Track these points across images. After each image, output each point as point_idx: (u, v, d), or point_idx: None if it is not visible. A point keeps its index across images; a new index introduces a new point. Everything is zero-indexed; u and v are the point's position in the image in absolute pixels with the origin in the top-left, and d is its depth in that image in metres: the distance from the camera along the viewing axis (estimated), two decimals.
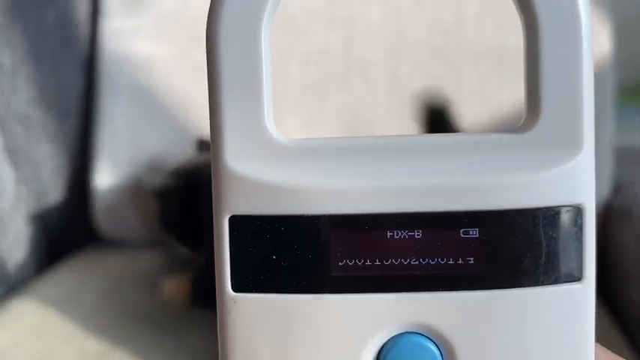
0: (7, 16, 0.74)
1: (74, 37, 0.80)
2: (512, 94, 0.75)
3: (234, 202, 0.20)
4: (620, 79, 0.84)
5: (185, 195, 0.64)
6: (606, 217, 0.73)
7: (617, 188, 0.75)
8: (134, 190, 0.78)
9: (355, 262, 0.20)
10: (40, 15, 0.77)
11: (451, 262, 0.20)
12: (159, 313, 0.61)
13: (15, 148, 0.76)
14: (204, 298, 0.61)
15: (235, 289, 0.20)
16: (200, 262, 0.64)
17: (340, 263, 0.20)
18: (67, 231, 0.81)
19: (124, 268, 0.72)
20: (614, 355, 0.22)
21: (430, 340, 0.20)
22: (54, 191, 0.80)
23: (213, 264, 0.40)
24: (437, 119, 0.44)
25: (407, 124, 0.76)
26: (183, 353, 0.54)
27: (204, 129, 0.77)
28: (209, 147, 0.36)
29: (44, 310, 0.62)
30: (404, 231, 0.19)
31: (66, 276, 0.71)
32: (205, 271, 0.61)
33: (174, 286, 0.64)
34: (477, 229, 0.19)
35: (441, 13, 0.77)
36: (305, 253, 0.20)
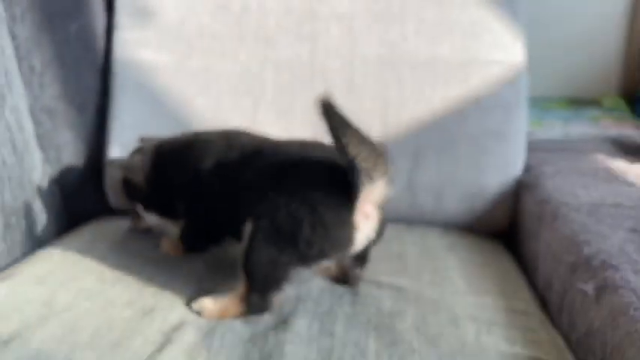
0: (38, 28, 0.92)
1: (92, 45, 0.98)
2: (443, 95, 0.93)
3: None
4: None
5: (152, 169, 0.78)
6: (518, 189, 0.93)
7: (527, 168, 0.94)
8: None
9: None
10: (65, 27, 0.95)
11: None
12: (156, 256, 0.79)
13: (42, 134, 0.94)
14: (190, 247, 0.79)
15: None
16: (180, 224, 0.79)
17: None
18: (83, 202, 0.98)
19: (130, 230, 0.89)
20: None
21: None
22: (73, 170, 0.98)
23: (193, 224, 0.62)
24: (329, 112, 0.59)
25: (360, 119, 0.94)
26: (176, 280, 0.72)
27: (197, 121, 0.95)
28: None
29: (66, 255, 0.79)
30: None
31: (83, 234, 0.89)
32: (188, 229, 0.79)
33: (168, 243, 0.82)
34: None
35: (386, 30, 0.95)
36: None
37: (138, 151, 0.82)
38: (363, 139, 0.60)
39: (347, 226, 0.62)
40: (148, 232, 0.85)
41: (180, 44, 0.97)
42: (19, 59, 0.89)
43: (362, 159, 0.59)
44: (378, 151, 0.61)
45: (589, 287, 0.64)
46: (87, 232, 0.89)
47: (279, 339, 0.62)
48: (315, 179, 0.63)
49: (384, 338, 0.63)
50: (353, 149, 0.59)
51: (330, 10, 0.97)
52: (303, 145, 0.70)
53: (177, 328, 0.64)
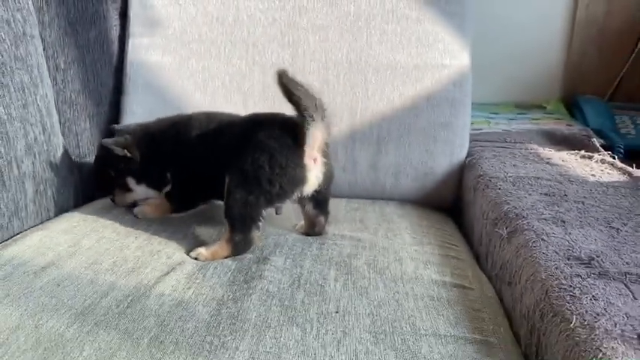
0: (64, 32, 1.10)
1: (108, 48, 1.16)
2: (401, 93, 1.12)
3: None
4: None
5: (144, 147, 0.92)
6: (462, 171, 1.11)
7: (471, 154, 1.12)
8: None
9: None
10: (86, 33, 1.13)
11: None
12: (159, 220, 0.95)
13: (63, 123, 1.11)
14: (179, 207, 0.96)
15: None
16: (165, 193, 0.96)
17: None
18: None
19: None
20: None
21: None
22: (89, 154, 1.15)
23: (182, 187, 0.81)
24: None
25: (333, 111, 1.12)
26: (176, 235, 0.89)
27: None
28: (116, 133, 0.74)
29: (86, 216, 0.96)
30: None
31: (98, 204, 1.05)
32: (177, 192, 0.95)
33: (146, 206, 0.97)
34: None
35: (354, 40, 1.14)
36: None
37: (120, 135, 0.95)
38: (309, 96, 0.79)
39: (299, 167, 0.81)
40: (133, 206, 0.98)
41: (183, 49, 1.15)
42: (47, 58, 1.06)
43: (309, 111, 0.78)
44: (319, 105, 0.80)
45: (504, 231, 0.82)
46: (101, 203, 1.05)
47: (260, 268, 0.79)
48: (271, 134, 0.82)
49: (342, 270, 0.79)
50: (303, 103, 0.78)
51: (308, 22, 1.15)
52: (263, 114, 0.90)
53: (179, 263, 0.80)
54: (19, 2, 0.95)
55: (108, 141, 0.94)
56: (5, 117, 0.88)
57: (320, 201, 0.89)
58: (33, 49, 0.98)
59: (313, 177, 0.83)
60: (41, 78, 1.00)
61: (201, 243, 0.86)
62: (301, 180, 0.82)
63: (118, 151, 0.93)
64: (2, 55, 0.89)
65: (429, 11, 1.13)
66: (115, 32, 1.18)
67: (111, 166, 0.97)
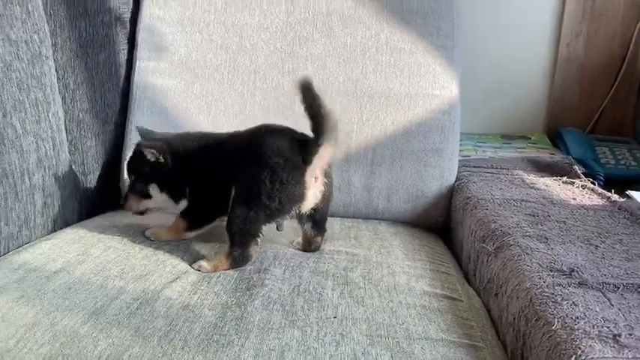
0: (74, 54, 1.16)
1: (116, 71, 1.22)
2: (394, 119, 1.18)
3: None
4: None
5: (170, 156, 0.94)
6: (451, 194, 1.16)
7: (459, 178, 1.18)
8: None
9: None
10: (95, 55, 1.19)
11: None
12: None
13: (70, 141, 1.15)
14: (193, 224, 0.98)
15: None
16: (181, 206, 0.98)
17: None
18: (100, 198, 1.19)
19: (136, 219, 1.09)
20: None
21: None
22: (94, 171, 1.19)
23: (197, 204, 0.84)
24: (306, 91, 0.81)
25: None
26: (180, 249, 0.93)
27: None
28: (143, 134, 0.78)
29: (93, 228, 0.99)
30: None
31: (103, 217, 1.09)
32: (192, 208, 0.97)
33: (159, 229, 0.99)
34: None
35: (350, 69, 1.21)
36: None
37: (149, 138, 0.97)
38: (329, 117, 0.82)
39: (299, 184, 0.84)
40: (142, 214, 0.99)
41: (188, 73, 1.21)
42: (58, 79, 1.12)
43: (326, 133, 0.82)
44: (335, 126, 0.83)
45: (491, 247, 0.87)
46: (106, 216, 1.09)
47: (261, 277, 0.83)
48: (276, 150, 0.84)
49: (338, 280, 0.84)
50: (323, 124, 0.81)
51: (307, 52, 1.22)
52: (274, 128, 0.91)
53: (184, 272, 0.84)
54: (36, 24, 1.01)
55: (145, 143, 0.94)
56: (21, 131, 0.93)
57: (318, 220, 0.93)
58: (47, 68, 1.03)
59: (311, 195, 0.87)
60: (53, 97, 1.06)
61: (203, 256, 0.90)
62: (300, 197, 0.86)
63: (151, 155, 0.92)
64: (20, 73, 0.94)
65: (421, 44, 1.21)
66: (122, 56, 1.23)
67: (136, 169, 0.96)
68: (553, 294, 0.68)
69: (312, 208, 0.89)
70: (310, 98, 0.82)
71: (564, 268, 0.74)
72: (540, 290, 0.69)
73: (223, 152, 0.92)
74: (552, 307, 0.65)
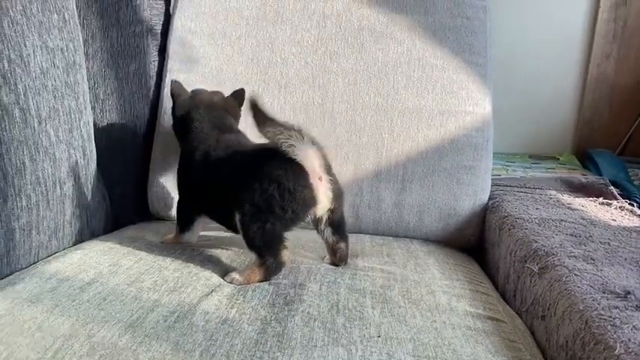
0: (106, 64, 1.15)
1: (146, 82, 1.21)
2: (426, 136, 1.16)
3: None
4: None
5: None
6: (485, 213, 1.14)
7: (492, 197, 1.16)
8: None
9: None
10: (126, 66, 1.18)
11: None
12: (193, 246, 0.97)
13: (98, 154, 1.14)
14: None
15: None
16: None
17: None
18: (127, 210, 1.17)
19: (163, 231, 1.07)
20: None
21: None
22: (121, 182, 1.17)
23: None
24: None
25: (359, 152, 1.16)
26: (210, 262, 0.91)
27: None
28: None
29: (122, 240, 0.98)
30: None
31: (131, 229, 1.07)
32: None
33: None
34: None
35: (382, 84, 1.19)
36: None
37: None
38: (285, 126, 0.83)
39: (307, 188, 0.83)
40: None
41: (218, 86, 1.19)
42: (89, 89, 1.11)
43: (287, 140, 0.81)
44: (298, 130, 0.83)
45: (535, 267, 0.85)
46: (135, 228, 1.07)
47: (297, 293, 0.80)
48: (274, 163, 0.83)
49: (377, 299, 0.81)
50: (281, 135, 0.82)
51: (338, 67, 1.21)
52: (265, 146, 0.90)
53: (218, 285, 0.82)
54: (71, 33, 1.00)
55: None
56: (54, 139, 0.92)
57: (337, 224, 0.91)
58: (80, 77, 1.02)
59: (322, 195, 0.85)
60: (85, 105, 1.04)
61: (234, 268, 0.88)
62: (312, 200, 0.84)
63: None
64: (55, 81, 0.93)
65: (454, 60, 1.20)
66: (153, 67, 1.23)
67: None
68: (611, 317, 0.65)
69: (328, 209, 0.88)
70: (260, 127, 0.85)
71: (618, 290, 0.71)
72: (596, 313, 0.66)
73: (220, 172, 0.92)
74: (612, 330, 0.62)
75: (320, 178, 0.85)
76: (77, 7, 1.08)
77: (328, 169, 0.87)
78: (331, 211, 0.88)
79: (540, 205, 1.09)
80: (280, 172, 0.82)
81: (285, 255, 0.85)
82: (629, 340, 0.60)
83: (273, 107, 1.20)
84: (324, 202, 0.86)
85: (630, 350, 0.58)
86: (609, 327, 0.63)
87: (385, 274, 0.90)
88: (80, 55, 1.03)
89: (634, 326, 0.62)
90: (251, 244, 0.85)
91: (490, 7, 1.24)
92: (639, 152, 1.50)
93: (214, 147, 0.95)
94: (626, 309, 0.67)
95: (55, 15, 0.95)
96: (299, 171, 0.83)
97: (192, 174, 0.97)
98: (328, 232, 0.91)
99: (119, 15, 1.16)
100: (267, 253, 0.84)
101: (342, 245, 0.93)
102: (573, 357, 0.66)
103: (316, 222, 0.90)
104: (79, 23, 1.07)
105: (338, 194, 0.88)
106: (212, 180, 0.92)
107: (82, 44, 1.05)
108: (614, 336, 0.61)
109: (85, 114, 1.04)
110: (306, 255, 0.96)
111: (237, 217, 0.85)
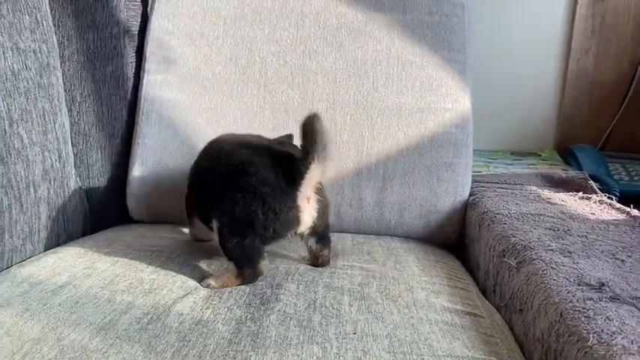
0: (82, 66, 1.14)
1: (124, 84, 1.20)
2: (406, 134, 1.16)
3: None
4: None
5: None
6: (465, 209, 1.14)
7: (473, 193, 1.16)
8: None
9: None
10: (103, 68, 1.17)
11: None
12: (170, 250, 0.96)
13: (76, 154, 1.13)
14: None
15: None
16: None
17: None
18: (106, 212, 1.16)
19: (142, 234, 1.06)
20: None
21: None
22: (99, 185, 1.16)
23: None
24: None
25: (340, 150, 1.16)
26: (188, 265, 0.90)
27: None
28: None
29: (98, 242, 0.97)
30: None
31: (109, 232, 1.06)
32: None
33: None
34: None
35: (361, 83, 1.19)
36: None
37: None
38: (322, 138, 0.77)
39: (293, 209, 0.80)
40: None
41: (197, 86, 1.19)
42: (65, 91, 1.10)
43: (314, 154, 0.77)
44: (326, 145, 0.77)
45: (513, 262, 0.84)
46: (113, 231, 1.06)
47: (275, 292, 0.80)
48: (263, 177, 0.79)
49: (355, 296, 0.81)
50: (315, 146, 0.76)
51: (317, 65, 1.21)
52: (258, 149, 0.86)
53: (195, 288, 0.81)
54: (45, 34, 0.99)
55: None
56: (27, 141, 0.91)
57: (321, 234, 0.90)
58: (55, 79, 1.01)
59: (307, 217, 0.83)
60: (60, 107, 1.03)
61: (210, 274, 0.86)
62: (295, 222, 0.82)
63: None
64: (28, 82, 0.92)
65: (433, 58, 1.20)
66: (130, 69, 1.21)
67: None
68: (585, 308, 0.65)
69: (311, 227, 0.86)
70: (309, 119, 0.77)
71: (593, 282, 0.71)
72: (571, 305, 0.66)
73: (206, 176, 0.88)
74: (585, 322, 0.62)
75: (308, 199, 0.82)
76: (52, 8, 1.07)
77: (319, 188, 0.84)
78: (314, 227, 0.86)
79: (520, 201, 1.09)
80: (267, 190, 0.78)
81: (263, 264, 0.84)
82: (602, 330, 0.60)
83: (252, 107, 1.19)
84: (307, 223, 0.84)
85: (603, 341, 0.58)
86: (583, 318, 0.63)
87: (364, 272, 0.90)
88: (54, 57, 1.02)
89: (607, 317, 0.62)
90: (229, 256, 0.83)
91: (469, 4, 1.24)
92: (620, 147, 1.51)
93: (216, 145, 0.92)
94: (600, 300, 0.66)
95: (27, 16, 0.94)
96: (288, 190, 0.79)
97: (191, 169, 0.93)
98: (312, 241, 0.90)
99: (95, 17, 1.15)
100: (245, 264, 0.82)
101: (325, 252, 0.92)
102: (549, 349, 0.66)
103: (300, 235, 0.88)
104: (54, 25, 1.07)
105: (323, 212, 0.86)
106: (200, 179, 0.89)
107: (56, 46, 1.04)
108: (588, 327, 0.61)
109: (60, 116, 1.03)
110: (286, 255, 0.95)
111: (215, 225, 0.82)
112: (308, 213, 0.83)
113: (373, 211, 1.14)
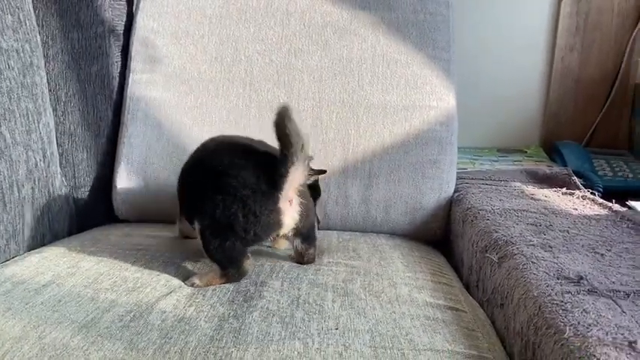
0: (67, 66, 1.14)
1: (109, 83, 1.20)
2: (391, 131, 1.17)
3: None
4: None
5: None
6: (450, 206, 1.15)
7: (458, 190, 1.17)
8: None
9: None
10: (88, 67, 1.17)
11: None
12: (154, 249, 0.96)
13: (61, 153, 1.13)
14: None
15: None
16: None
17: None
18: (92, 212, 1.16)
19: (128, 233, 1.06)
20: None
21: None
22: (85, 184, 1.16)
23: None
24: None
25: (326, 148, 1.16)
26: (172, 265, 0.90)
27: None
28: None
29: (83, 242, 0.97)
30: None
31: (95, 232, 1.06)
32: None
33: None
34: None
35: (347, 81, 1.19)
36: None
37: None
38: (299, 137, 0.76)
39: (274, 212, 0.79)
40: None
41: (182, 85, 1.19)
42: (49, 90, 1.10)
43: (293, 155, 0.76)
44: (305, 145, 0.77)
45: (494, 257, 0.85)
46: (98, 230, 1.06)
47: (258, 289, 0.80)
48: (243, 180, 0.78)
49: (338, 292, 0.81)
50: (291, 147, 0.76)
51: (303, 64, 1.21)
52: (239, 149, 0.86)
53: (179, 286, 0.81)
54: (28, 34, 0.99)
55: None
56: (10, 141, 0.91)
57: (306, 235, 0.90)
58: (39, 79, 1.01)
59: (289, 219, 0.82)
60: (44, 107, 1.03)
61: (195, 273, 0.86)
62: (276, 224, 0.81)
63: None
64: (10, 82, 0.92)
65: (418, 56, 1.20)
66: (116, 68, 1.21)
67: None
68: (562, 302, 0.65)
69: (293, 228, 0.85)
70: (285, 122, 0.77)
71: (572, 275, 0.72)
72: (549, 298, 0.67)
73: (191, 177, 0.88)
74: (563, 315, 0.63)
75: (290, 202, 0.82)
76: (35, 7, 1.07)
77: (301, 190, 0.83)
78: (297, 228, 0.86)
79: (504, 197, 1.10)
80: (247, 193, 0.78)
81: (247, 264, 0.83)
82: (579, 323, 0.61)
83: (238, 106, 1.19)
84: (289, 226, 0.83)
85: (579, 333, 0.59)
86: (560, 311, 0.64)
87: (349, 269, 0.91)
88: (38, 57, 1.02)
89: (584, 309, 0.63)
90: (211, 257, 0.82)
91: (453, 3, 1.25)
92: (604, 143, 1.52)
93: (205, 145, 0.91)
94: (578, 293, 0.67)
95: (9, 16, 0.94)
96: (269, 193, 0.79)
97: (182, 168, 0.92)
98: (297, 241, 0.90)
99: (79, 16, 1.15)
100: (228, 265, 0.82)
101: (311, 251, 0.92)
102: (527, 342, 0.67)
103: (283, 236, 0.88)
104: (38, 24, 1.06)
105: (306, 213, 0.86)
106: (187, 179, 0.89)
107: (40, 45, 1.04)
108: (565, 320, 0.62)
109: (44, 116, 1.03)
110: (271, 253, 0.95)
111: (197, 226, 0.82)
112: (290, 216, 0.82)
113: (359, 209, 1.15)
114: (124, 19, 1.24)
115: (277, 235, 0.85)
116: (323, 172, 0.99)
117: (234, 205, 0.77)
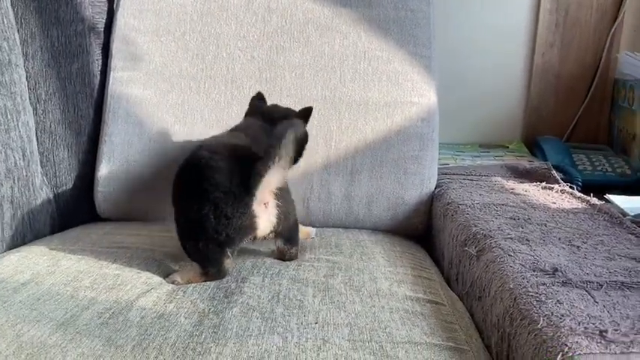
0: (46, 64, 1.13)
1: (90, 81, 1.19)
2: (373, 128, 1.17)
3: None
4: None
5: None
6: (431, 201, 1.15)
7: (439, 185, 1.18)
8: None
9: None
10: (68, 65, 1.16)
11: None
12: (136, 247, 0.96)
13: (42, 152, 1.12)
14: None
15: None
16: None
17: None
18: (74, 211, 1.15)
19: (109, 231, 1.06)
20: None
21: None
22: (67, 183, 1.15)
23: None
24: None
25: (309, 145, 1.16)
26: (154, 262, 0.90)
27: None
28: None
29: (64, 240, 0.96)
30: None
31: (76, 230, 1.06)
32: None
33: None
34: None
35: (328, 78, 1.20)
36: None
37: None
38: (287, 144, 0.76)
39: (246, 215, 0.79)
40: None
41: (163, 83, 1.19)
42: (29, 89, 1.09)
43: (271, 156, 0.75)
44: (284, 145, 0.75)
45: (473, 250, 0.86)
46: (79, 229, 1.06)
47: (239, 286, 0.80)
48: (216, 181, 0.77)
49: (319, 287, 0.82)
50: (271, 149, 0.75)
51: (285, 61, 1.21)
52: (213, 148, 0.84)
53: (159, 283, 0.81)
54: (5, 32, 0.98)
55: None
56: None
57: (287, 235, 0.90)
58: (17, 77, 1.01)
59: (264, 222, 0.82)
60: (23, 106, 1.03)
61: (175, 270, 0.86)
62: (250, 228, 0.81)
63: None
64: None
65: (399, 52, 1.21)
66: (96, 66, 1.21)
67: None
68: (537, 293, 0.67)
69: (271, 232, 0.85)
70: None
71: (547, 268, 0.73)
72: (524, 290, 0.68)
73: (175, 177, 0.86)
74: (537, 306, 0.64)
75: (266, 204, 0.81)
76: (14, 5, 1.06)
77: (277, 193, 0.82)
78: (276, 231, 0.85)
79: (484, 191, 1.11)
80: (219, 195, 0.77)
81: (228, 263, 0.83)
82: (552, 313, 0.62)
83: (220, 103, 1.19)
84: (266, 228, 0.83)
85: (552, 323, 0.60)
86: (535, 302, 0.65)
87: (330, 264, 0.91)
88: (16, 55, 1.01)
89: (558, 300, 0.64)
90: (190, 257, 0.83)
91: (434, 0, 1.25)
92: (584, 138, 1.54)
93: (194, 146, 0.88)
94: (553, 285, 0.68)
95: None
96: (241, 196, 0.77)
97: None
98: (279, 242, 0.91)
99: (59, 13, 1.14)
100: (207, 264, 0.82)
101: (294, 250, 0.92)
102: (504, 334, 0.68)
103: (262, 238, 0.86)
104: (16, 22, 1.06)
105: (285, 217, 0.85)
106: (175, 179, 0.87)
107: (18, 43, 1.03)
108: (539, 311, 0.63)
109: (23, 114, 1.02)
110: (253, 250, 0.96)
111: (174, 225, 0.83)
112: (265, 219, 0.82)
113: (342, 205, 1.15)
114: (105, 16, 1.23)
115: (254, 238, 0.84)
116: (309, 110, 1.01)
117: (206, 206, 0.77)
